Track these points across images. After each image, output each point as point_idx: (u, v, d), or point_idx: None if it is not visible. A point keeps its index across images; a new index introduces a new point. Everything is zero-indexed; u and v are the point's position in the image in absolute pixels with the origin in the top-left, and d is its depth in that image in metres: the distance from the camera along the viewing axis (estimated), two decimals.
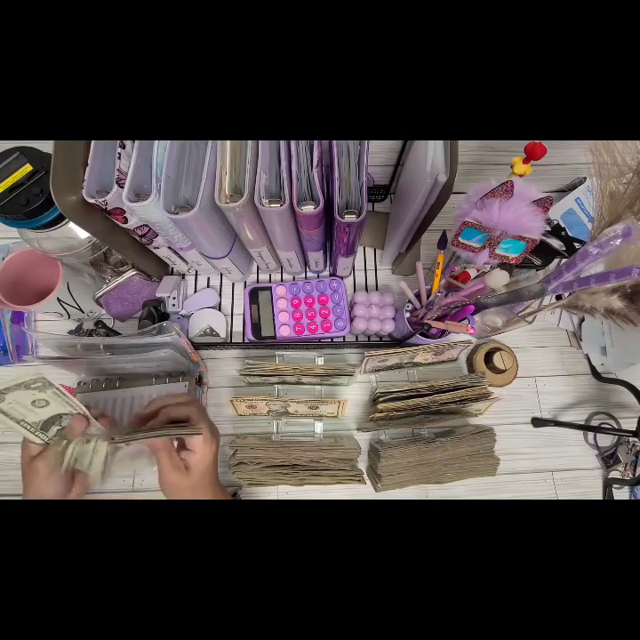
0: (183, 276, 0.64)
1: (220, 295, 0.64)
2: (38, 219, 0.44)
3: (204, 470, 0.39)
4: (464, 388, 0.53)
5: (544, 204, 0.35)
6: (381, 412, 0.53)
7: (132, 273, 0.58)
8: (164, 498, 0.39)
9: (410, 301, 0.55)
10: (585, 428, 0.59)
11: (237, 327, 0.62)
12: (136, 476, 0.56)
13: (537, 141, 0.40)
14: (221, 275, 0.64)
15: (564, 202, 0.66)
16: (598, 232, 0.43)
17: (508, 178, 0.39)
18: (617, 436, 0.58)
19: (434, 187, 0.42)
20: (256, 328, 0.59)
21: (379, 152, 0.58)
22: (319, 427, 0.57)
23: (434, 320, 0.51)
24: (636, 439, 0.54)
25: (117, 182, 0.42)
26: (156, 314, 0.58)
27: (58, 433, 0.37)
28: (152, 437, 0.36)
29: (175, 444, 0.40)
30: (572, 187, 0.68)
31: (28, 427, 0.35)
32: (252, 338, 0.58)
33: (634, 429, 0.53)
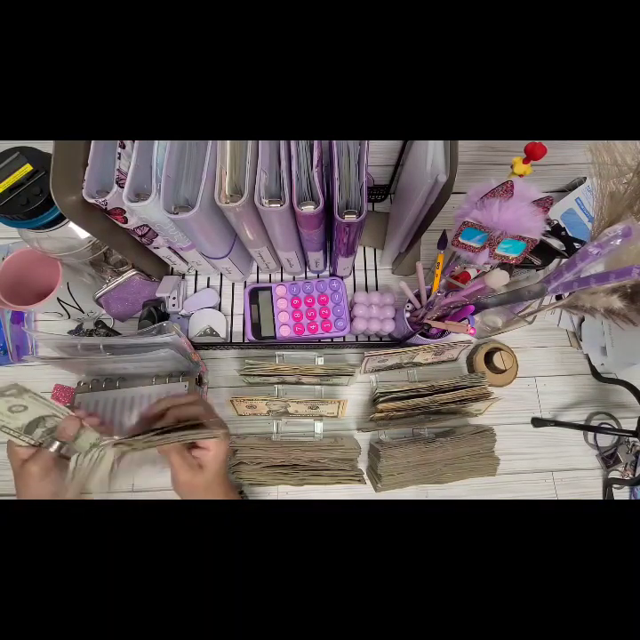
0: (183, 276, 0.64)
1: (220, 295, 0.64)
2: (38, 219, 0.44)
3: (217, 468, 0.40)
4: (464, 388, 0.53)
5: (544, 204, 0.35)
6: (381, 411, 0.53)
7: (131, 273, 0.58)
8: (162, 498, 0.40)
9: (410, 301, 0.55)
10: (585, 427, 0.59)
11: (237, 327, 0.62)
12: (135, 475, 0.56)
13: (537, 141, 0.40)
14: (221, 275, 0.64)
15: (564, 202, 0.66)
16: (598, 232, 0.43)
17: (508, 178, 0.39)
18: (617, 436, 0.58)
19: (434, 187, 0.42)
20: (256, 328, 0.59)
21: (379, 152, 0.58)
22: (319, 427, 0.57)
23: (434, 320, 0.51)
24: (636, 439, 0.54)
25: (117, 182, 0.42)
26: (155, 314, 0.58)
27: (44, 434, 0.37)
28: (171, 443, 0.36)
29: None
30: (572, 187, 0.68)
31: (12, 432, 0.35)
32: (252, 338, 0.58)
33: (634, 429, 0.53)
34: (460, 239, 0.39)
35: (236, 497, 0.45)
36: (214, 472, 0.40)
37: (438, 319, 0.51)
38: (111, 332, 0.57)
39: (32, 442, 0.37)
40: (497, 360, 0.59)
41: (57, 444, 0.37)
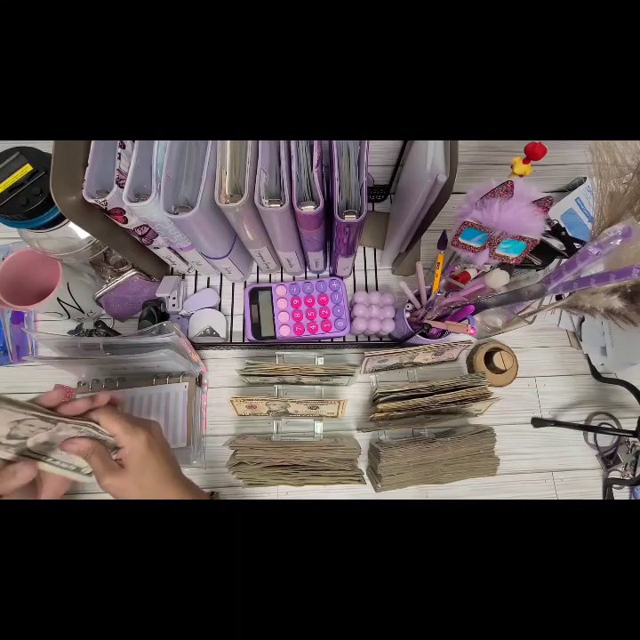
0: (183, 276, 0.64)
1: (220, 295, 0.64)
2: (38, 219, 0.44)
3: (140, 463, 0.38)
4: (464, 388, 0.53)
5: (544, 204, 0.35)
6: (381, 412, 0.53)
7: (131, 273, 0.58)
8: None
9: (410, 301, 0.55)
10: (585, 427, 0.59)
11: (237, 327, 0.62)
12: None
13: (537, 141, 0.40)
14: (221, 275, 0.64)
15: (564, 202, 0.66)
16: (598, 232, 0.43)
17: (508, 178, 0.39)
18: (617, 436, 0.58)
19: (434, 187, 0.42)
20: (256, 328, 0.59)
21: (379, 152, 0.58)
22: (319, 427, 0.57)
23: (434, 320, 0.51)
24: (636, 439, 0.54)
25: (117, 182, 0.42)
26: (155, 314, 0.58)
27: (16, 430, 0.33)
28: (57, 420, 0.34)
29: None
30: (572, 187, 0.68)
31: None
32: (252, 338, 0.58)
33: (634, 429, 0.53)
34: (460, 239, 0.39)
35: (195, 495, 0.42)
36: (138, 468, 0.38)
37: (438, 319, 0.51)
38: (111, 332, 0.57)
39: (9, 453, 0.33)
40: (497, 360, 0.59)
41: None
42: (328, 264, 0.63)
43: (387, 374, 0.61)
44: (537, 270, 0.58)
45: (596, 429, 0.57)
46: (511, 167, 0.42)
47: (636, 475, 0.57)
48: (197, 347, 0.58)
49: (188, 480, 0.44)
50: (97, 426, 0.37)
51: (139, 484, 0.38)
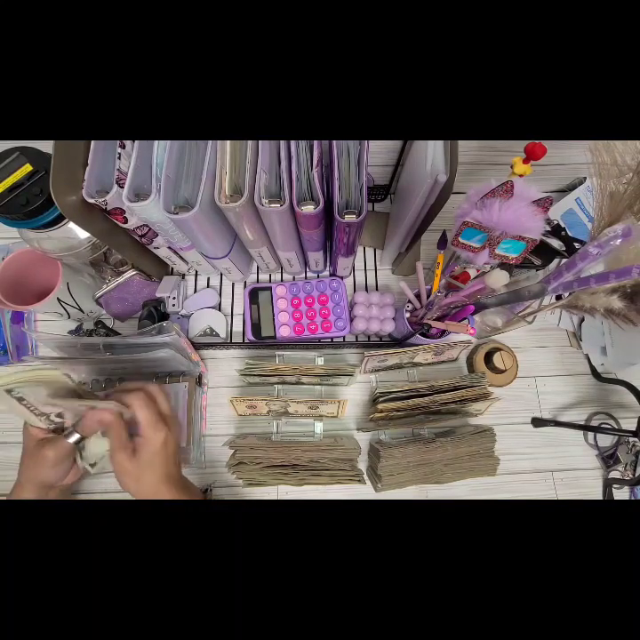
0: (183, 276, 0.64)
1: (220, 295, 0.63)
2: (38, 219, 0.44)
3: (150, 457, 0.39)
4: (464, 388, 0.53)
5: (544, 204, 0.35)
6: (381, 411, 0.53)
7: (131, 273, 0.58)
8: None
9: (410, 301, 0.55)
10: (585, 427, 0.59)
11: (237, 327, 0.62)
12: None
13: (537, 141, 0.40)
14: (221, 275, 0.64)
15: (564, 202, 0.66)
16: (598, 232, 0.43)
17: (508, 178, 0.39)
18: (617, 436, 0.58)
19: (434, 187, 0.42)
20: (256, 328, 0.59)
21: (379, 152, 0.58)
22: (319, 427, 0.57)
23: (434, 320, 0.51)
24: (636, 439, 0.54)
25: (117, 182, 0.42)
26: (155, 314, 0.58)
27: (69, 425, 0.38)
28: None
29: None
30: (572, 187, 0.68)
31: (31, 407, 0.37)
32: (252, 338, 0.58)
33: (634, 429, 0.53)
34: (460, 239, 0.39)
35: (187, 497, 0.42)
36: (146, 461, 0.39)
37: (438, 319, 0.51)
38: (111, 332, 0.57)
39: (50, 426, 0.38)
40: (497, 360, 0.59)
41: (76, 436, 0.38)
42: (328, 264, 0.63)
43: (386, 374, 0.61)
44: (537, 270, 0.58)
45: (596, 429, 0.57)
46: (511, 167, 0.42)
47: (636, 475, 0.57)
48: (197, 347, 0.58)
49: (185, 483, 0.44)
50: (127, 410, 0.39)
51: (137, 476, 0.39)
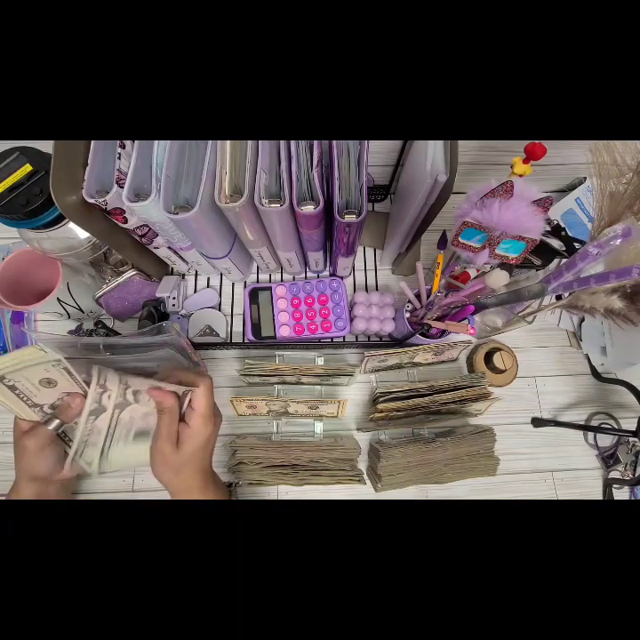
0: (183, 276, 0.64)
1: (220, 295, 0.63)
2: (38, 219, 0.44)
3: (193, 451, 0.38)
4: (464, 388, 0.53)
5: (544, 204, 0.35)
6: (381, 411, 0.53)
7: (131, 273, 0.58)
8: (162, 498, 0.39)
9: (410, 301, 0.55)
10: (585, 428, 0.59)
11: (237, 327, 0.62)
12: (136, 475, 0.56)
13: (537, 141, 0.40)
14: (221, 275, 0.64)
15: (564, 202, 0.66)
16: (598, 232, 0.43)
17: (508, 178, 0.39)
18: (617, 436, 0.58)
19: (434, 187, 0.42)
20: (256, 328, 0.59)
21: (379, 152, 0.58)
22: (319, 427, 0.57)
23: (434, 320, 0.51)
24: (636, 439, 0.54)
25: (117, 182, 0.42)
26: (155, 314, 0.58)
27: (49, 411, 0.38)
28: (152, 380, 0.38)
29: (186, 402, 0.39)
30: (572, 187, 0.68)
31: (36, 410, 0.37)
32: (252, 338, 0.58)
33: (634, 429, 0.53)
34: (460, 239, 0.39)
35: (215, 494, 0.42)
36: (189, 454, 0.38)
37: (438, 319, 0.51)
38: (111, 332, 0.57)
39: (37, 418, 0.38)
40: (497, 360, 0.59)
41: (56, 422, 0.38)
42: (328, 264, 0.63)
43: (387, 374, 0.61)
44: (537, 270, 0.58)
45: (596, 429, 0.57)
46: (511, 167, 0.42)
47: (636, 475, 0.57)
48: (197, 347, 0.58)
49: (215, 479, 0.44)
50: (191, 389, 0.39)
51: (178, 469, 0.38)
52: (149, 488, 0.55)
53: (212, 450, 0.42)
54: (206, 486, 0.40)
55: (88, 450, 0.39)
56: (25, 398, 0.36)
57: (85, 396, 0.37)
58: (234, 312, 0.63)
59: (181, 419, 0.39)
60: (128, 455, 0.41)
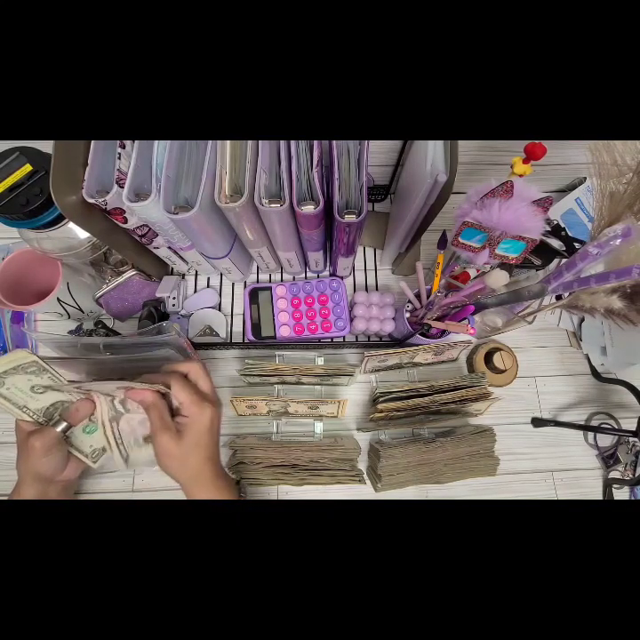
0: (183, 276, 0.64)
1: (220, 295, 0.64)
2: (38, 219, 0.44)
3: (197, 438, 0.38)
4: (464, 388, 0.53)
5: (544, 204, 0.35)
6: (381, 411, 0.53)
7: (131, 273, 0.58)
8: (166, 497, 0.39)
9: (410, 301, 0.55)
10: (585, 428, 0.59)
11: (237, 327, 0.62)
12: (136, 475, 0.56)
13: (537, 141, 0.40)
14: (221, 275, 0.64)
15: (564, 202, 0.66)
16: (598, 232, 0.43)
17: (508, 178, 0.39)
18: (617, 436, 0.58)
19: (434, 187, 0.42)
20: (256, 328, 0.59)
21: (379, 152, 0.58)
22: (319, 427, 0.57)
23: (434, 320, 0.51)
24: (636, 439, 0.54)
25: (117, 182, 0.42)
26: (155, 314, 0.58)
27: (55, 411, 0.39)
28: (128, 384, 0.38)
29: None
30: (572, 187, 0.68)
31: (32, 414, 0.38)
32: (252, 338, 0.58)
33: (634, 429, 0.53)
34: (460, 239, 0.39)
35: (227, 485, 0.42)
36: (193, 442, 0.38)
37: (438, 319, 0.51)
38: (111, 332, 0.57)
39: (39, 420, 0.39)
40: (497, 360, 0.59)
41: (63, 424, 0.39)
42: (328, 264, 0.63)
43: (387, 374, 0.61)
44: (537, 270, 0.58)
45: (596, 429, 0.57)
46: (511, 167, 0.42)
47: (636, 475, 0.57)
48: (197, 347, 0.58)
49: (223, 470, 0.44)
50: (168, 390, 0.39)
51: (184, 459, 0.38)
52: (150, 488, 0.55)
53: (216, 436, 0.41)
54: (217, 476, 0.40)
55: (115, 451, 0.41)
56: (25, 410, 0.38)
57: (91, 401, 0.39)
58: (234, 312, 0.63)
59: (177, 413, 0.39)
60: (147, 454, 0.41)
